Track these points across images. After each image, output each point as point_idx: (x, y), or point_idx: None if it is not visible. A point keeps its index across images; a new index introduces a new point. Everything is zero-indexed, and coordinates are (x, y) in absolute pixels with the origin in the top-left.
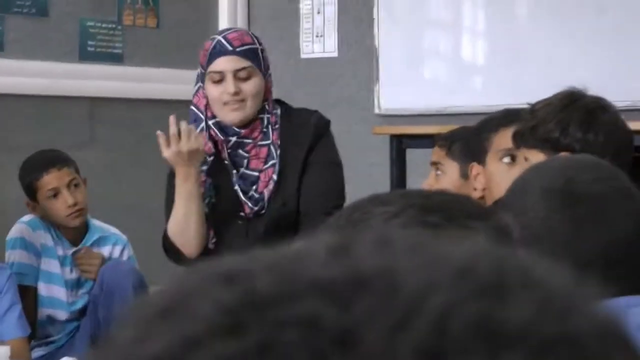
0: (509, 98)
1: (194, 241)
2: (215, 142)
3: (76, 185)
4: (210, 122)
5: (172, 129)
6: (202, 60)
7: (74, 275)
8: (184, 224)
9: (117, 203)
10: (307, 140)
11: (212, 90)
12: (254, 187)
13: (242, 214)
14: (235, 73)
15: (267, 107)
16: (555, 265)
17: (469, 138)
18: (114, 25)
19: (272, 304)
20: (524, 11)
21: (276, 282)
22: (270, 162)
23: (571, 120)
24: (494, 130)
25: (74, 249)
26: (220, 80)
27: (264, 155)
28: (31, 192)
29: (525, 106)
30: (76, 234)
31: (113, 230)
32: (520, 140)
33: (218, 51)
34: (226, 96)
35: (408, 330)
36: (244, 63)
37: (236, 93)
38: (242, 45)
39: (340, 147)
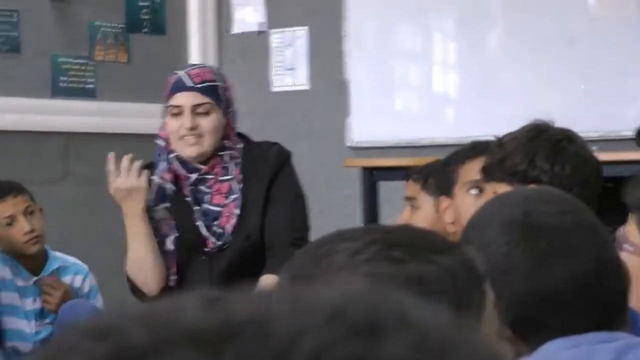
0: (481, 129)
1: (151, 279)
2: (176, 178)
3: (32, 213)
4: (170, 156)
5: (110, 166)
6: (165, 94)
7: (37, 305)
8: (139, 262)
9: (91, 237)
10: (268, 172)
11: (171, 124)
12: (216, 222)
13: (205, 249)
14: (194, 108)
15: (227, 143)
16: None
17: (439, 171)
18: (85, 61)
19: (143, 355)
20: (495, 43)
21: (148, 333)
22: (232, 197)
23: (538, 152)
24: (460, 163)
25: (35, 278)
26: (178, 114)
27: (225, 190)
28: None
29: (493, 139)
30: (36, 263)
31: (73, 260)
32: (488, 174)
33: (179, 86)
34: (183, 130)
35: None
36: (203, 99)
37: (193, 128)
38: (203, 82)
39: (311, 179)
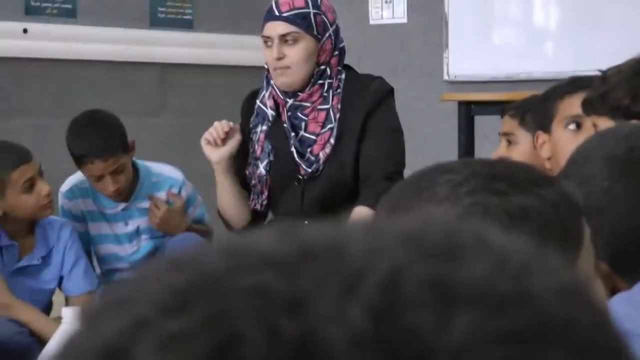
0: (581, 64)
1: (236, 217)
2: (277, 104)
3: (120, 172)
4: (272, 83)
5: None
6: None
7: (129, 228)
8: (225, 204)
9: (187, 169)
10: (367, 105)
11: (265, 54)
12: (310, 149)
13: (298, 175)
14: (282, 38)
15: (328, 71)
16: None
17: (537, 106)
18: None
19: (219, 279)
20: None
21: (224, 260)
22: (328, 126)
23: None
24: (559, 98)
25: (123, 205)
26: (269, 44)
27: (322, 119)
28: (78, 164)
29: (596, 73)
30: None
31: (166, 171)
32: (590, 107)
33: (268, 15)
34: (273, 61)
35: (357, 292)
36: (290, 28)
37: (279, 59)
38: (290, 10)
39: (408, 113)
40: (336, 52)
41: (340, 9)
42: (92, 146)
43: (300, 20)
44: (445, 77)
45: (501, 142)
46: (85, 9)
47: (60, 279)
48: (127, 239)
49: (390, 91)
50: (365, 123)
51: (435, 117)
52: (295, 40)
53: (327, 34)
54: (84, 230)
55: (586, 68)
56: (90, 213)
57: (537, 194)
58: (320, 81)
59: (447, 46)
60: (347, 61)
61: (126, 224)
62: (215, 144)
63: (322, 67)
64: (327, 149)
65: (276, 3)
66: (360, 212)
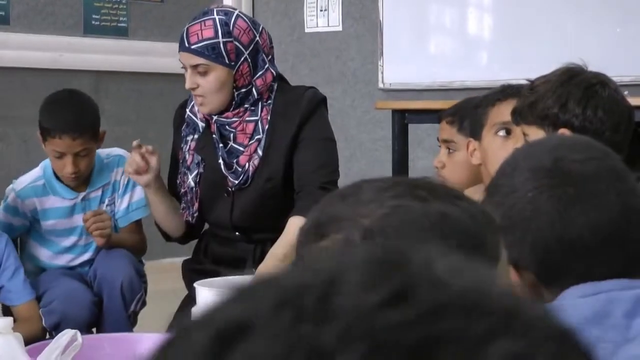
0: (514, 73)
1: (169, 229)
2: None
3: (84, 156)
4: None
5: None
6: None
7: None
8: (157, 218)
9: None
10: (298, 115)
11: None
12: (236, 161)
13: (227, 187)
14: (193, 68)
15: (253, 92)
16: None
17: (470, 113)
18: None
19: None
20: None
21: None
22: (256, 137)
23: (570, 96)
24: (490, 105)
25: (82, 194)
26: (185, 70)
27: (250, 130)
28: (43, 135)
29: (525, 82)
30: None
31: (114, 152)
32: (519, 116)
33: (180, 43)
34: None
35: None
36: (199, 60)
37: (192, 88)
38: (198, 41)
39: (343, 121)
40: (261, 72)
41: (275, 17)
42: (64, 121)
43: (209, 51)
44: (380, 85)
45: (441, 149)
46: (18, 15)
47: None
48: (84, 231)
49: (323, 100)
50: (298, 134)
51: (370, 125)
52: (206, 71)
53: (242, 58)
54: (21, 224)
55: (519, 76)
56: (44, 211)
57: (456, 204)
58: (246, 105)
59: (382, 54)
60: (282, 69)
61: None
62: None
63: (243, 90)
64: (255, 161)
65: (186, 33)
66: (296, 222)
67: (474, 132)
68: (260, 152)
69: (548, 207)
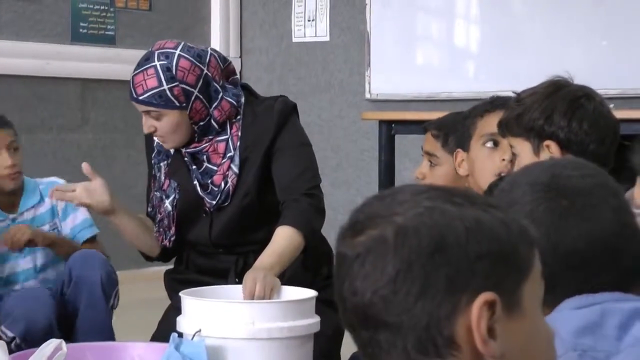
0: (501, 84)
1: (145, 248)
2: None
3: (15, 149)
4: None
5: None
6: None
7: None
8: (130, 239)
9: (111, 184)
10: (271, 127)
11: None
12: (210, 180)
13: (205, 208)
14: (147, 113)
15: (213, 123)
16: None
17: (457, 125)
18: (106, 7)
19: None
20: None
21: None
22: (228, 155)
23: (555, 108)
24: (478, 116)
25: (11, 216)
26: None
27: (222, 149)
28: None
29: (512, 94)
30: (13, 200)
31: (49, 179)
32: (506, 128)
33: (129, 92)
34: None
35: None
36: (148, 108)
37: (151, 132)
38: (144, 92)
39: (330, 131)
40: (215, 103)
41: (263, 27)
42: None
43: (157, 99)
44: (367, 96)
45: (424, 160)
46: (5, 23)
47: None
48: (21, 254)
49: (294, 108)
50: (273, 145)
51: (357, 135)
52: (159, 116)
53: (193, 97)
54: None
55: (505, 88)
56: None
57: (490, 212)
58: (209, 136)
59: (369, 65)
60: (269, 79)
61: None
62: (84, 203)
63: (201, 123)
64: (232, 178)
65: (132, 83)
66: (284, 232)
67: (462, 143)
68: (235, 169)
69: (544, 218)
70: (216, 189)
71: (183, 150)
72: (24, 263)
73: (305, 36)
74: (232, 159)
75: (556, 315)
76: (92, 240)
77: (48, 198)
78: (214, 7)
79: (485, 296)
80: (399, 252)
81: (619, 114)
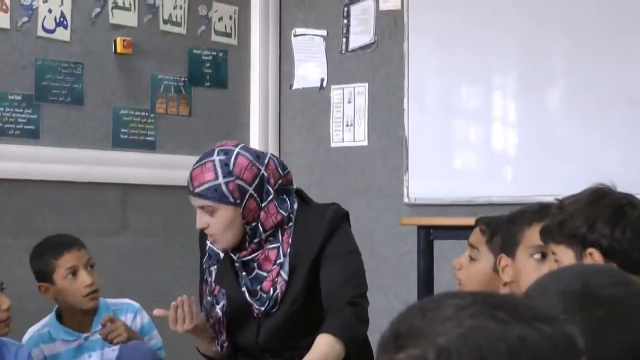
0: (539, 189)
1: (216, 357)
2: None
3: (92, 267)
4: None
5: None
6: None
7: (95, 359)
8: (202, 348)
9: (149, 289)
10: (321, 235)
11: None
12: (260, 287)
13: (253, 314)
14: (202, 208)
15: (259, 227)
16: None
17: (504, 228)
18: (146, 113)
19: None
20: (556, 102)
21: None
22: (278, 262)
23: (599, 216)
24: (526, 224)
25: (85, 335)
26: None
27: (273, 257)
28: (47, 273)
29: (554, 201)
30: (87, 318)
31: (123, 301)
32: (548, 235)
33: (187, 186)
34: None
35: None
36: (204, 202)
37: (203, 228)
38: (200, 184)
39: (368, 235)
40: (264, 204)
41: (302, 131)
42: (62, 240)
43: (212, 193)
44: (406, 200)
45: (466, 251)
46: (47, 129)
47: None
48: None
49: (345, 216)
50: (322, 252)
51: (395, 240)
52: (213, 212)
53: (247, 195)
54: None
55: (544, 192)
56: (53, 356)
57: (537, 328)
58: (256, 240)
59: (407, 169)
60: (308, 183)
61: (89, 356)
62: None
63: (253, 224)
64: (281, 285)
65: (190, 177)
66: (324, 340)
67: (506, 247)
68: (284, 275)
69: (581, 330)
70: (265, 295)
71: (234, 256)
72: None
73: (343, 141)
74: (281, 265)
75: None
76: None
77: (121, 317)
78: (253, 112)
79: None
80: None
81: None
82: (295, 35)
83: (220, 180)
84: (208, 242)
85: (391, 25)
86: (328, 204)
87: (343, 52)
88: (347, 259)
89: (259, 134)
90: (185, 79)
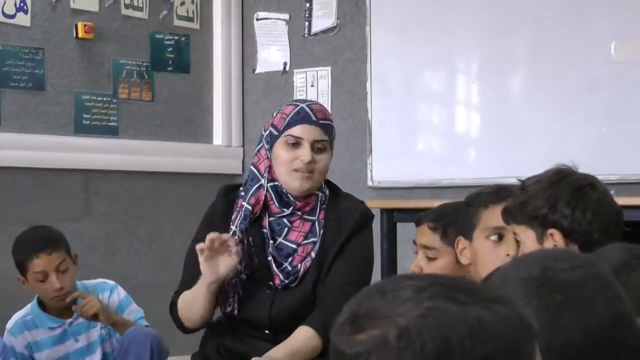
0: (502, 171)
1: (195, 319)
2: (265, 204)
3: (64, 271)
4: (268, 185)
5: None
6: (277, 123)
7: (80, 344)
8: (191, 304)
9: (112, 275)
10: (349, 227)
11: (284, 154)
12: (289, 260)
13: (271, 283)
14: (313, 143)
15: (323, 184)
16: None
17: (459, 212)
18: (109, 99)
19: None
20: (518, 85)
21: None
22: (311, 239)
23: (560, 197)
24: (483, 206)
25: (68, 320)
26: (295, 144)
27: (306, 229)
28: (22, 269)
29: (516, 182)
30: (66, 306)
31: (96, 281)
32: (510, 216)
33: (301, 118)
34: (298, 163)
35: None
36: (323, 136)
37: (310, 162)
38: (325, 119)
39: None
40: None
41: (265, 115)
42: (37, 240)
43: (329, 130)
44: (369, 183)
45: (419, 253)
46: (8, 115)
47: None
48: (80, 354)
49: (372, 219)
50: (344, 245)
51: None
52: (324, 149)
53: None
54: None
55: (507, 174)
56: (36, 343)
57: (494, 310)
58: (317, 192)
59: (370, 152)
60: None
61: (76, 340)
62: (211, 258)
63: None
64: (308, 262)
65: (310, 109)
66: (303, 333)
67: (464, 231)
68: (314, 254)
69: (537, 315)
70: (290, 269)
71: (286, 210)
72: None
73: None
74: (314, 244)
75: None
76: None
77: (99, 296)
78: (216, 96)
79: None
80: (402, 355)
81: (620, 200)
82: (257, 19)
83: (332, 123)
84: (244, 203)
85: (353, 9)
86: (358, 200)
87: (305, 35)
88: (361, 265)
89: (222, 118)
90: (148, 64)
